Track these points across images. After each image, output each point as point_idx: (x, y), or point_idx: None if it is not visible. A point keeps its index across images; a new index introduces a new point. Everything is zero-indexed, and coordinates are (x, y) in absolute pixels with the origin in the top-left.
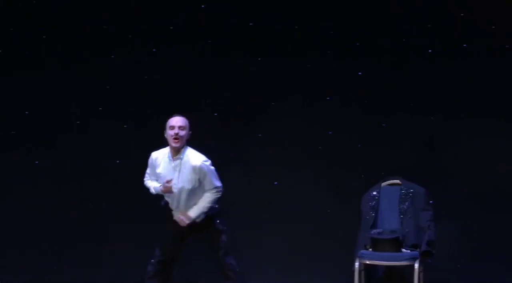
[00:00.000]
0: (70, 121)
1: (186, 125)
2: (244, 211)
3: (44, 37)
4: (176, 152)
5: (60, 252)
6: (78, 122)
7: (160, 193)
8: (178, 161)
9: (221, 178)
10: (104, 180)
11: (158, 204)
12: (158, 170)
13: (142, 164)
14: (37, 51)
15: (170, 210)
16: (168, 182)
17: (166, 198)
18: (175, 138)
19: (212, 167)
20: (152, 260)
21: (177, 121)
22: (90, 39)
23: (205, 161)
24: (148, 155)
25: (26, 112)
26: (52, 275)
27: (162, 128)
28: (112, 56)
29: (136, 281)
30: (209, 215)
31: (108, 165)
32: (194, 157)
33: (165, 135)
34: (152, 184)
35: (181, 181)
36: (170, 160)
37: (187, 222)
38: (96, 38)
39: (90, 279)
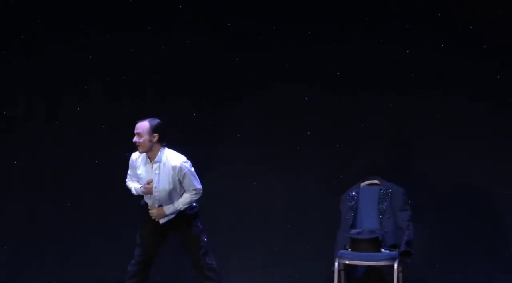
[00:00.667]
0: (49, 121)
1: (144, 130)
2: (222, 211)
3: (22, 37)
4: (153, 155)
5: (38, 252)
6: (56, 122)
7: (141, 194)
8: (157, 163)
9: (200, 178)
10: (84, 180)
11: (138, 204)
12: (139, 172)
13: (121, 164)
14: (15, 47)
15: (144, 214)
16: (148, 183)
17: (146, 200)
18: (136, 145)
19: (192, 169)
20: (132, 261)
21: (136, 127)
22: (68, 36)
23: (185, 162)
24: (128, 155)
25: (4, 113)
26: (29, 275)
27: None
28: (90, 56)
29: (115, 281)
30: (189, 214)
31: (87, 165)
32: (173, 158)
33: None
34: (133, 185)
35: (161, 183)
36: (148, 162)
37: (160, 218)
38: (79, 38)
39: (68, 279)
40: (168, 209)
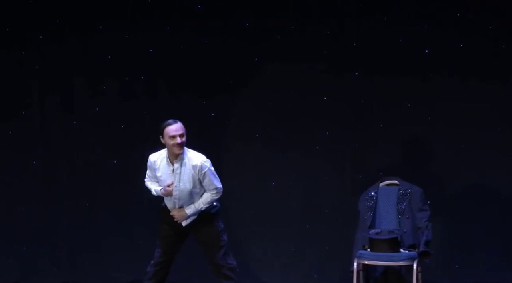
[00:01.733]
0: (66, 121)
1: (184, 130)
2: (241, 212)
3: (41, 37)
4: (176, 157)
5: (52, 252)
6: (74, 122)
7: (161, 195)
8: (178, 164)
9: (219, 178)
10: (101, 180)
11: (158, 205)
12: (158, 174)
13: (138, 164)
14: (31, 47)
15: (169, 211)
16: (169, 186)
17: (166, 202)
18: (177, 146)
19: (212, 168)
20: (152, 262)
21: (177, 129)
22: (83, 37)
23: (205, 161)
24: (146, 155)
25: (23, 112)
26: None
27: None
28: (109, 57)
29: (130, 281)
30: (210, 213)
31: (105, 165)
32: (194, 157)
33: (162, 141)
34: (153, 186)
35: (181, 184)
36: (169, 164)
37: (181, 219)
38: (93, 37)
39: (83, 279)
40: (189, 209)
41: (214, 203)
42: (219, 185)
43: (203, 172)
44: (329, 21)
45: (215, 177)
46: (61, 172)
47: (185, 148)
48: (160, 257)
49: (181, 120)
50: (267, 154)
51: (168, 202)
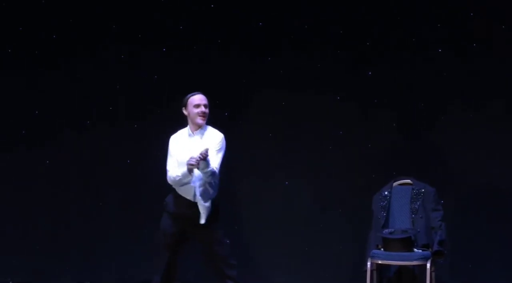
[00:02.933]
0: (80, 120)
1: (208, 102)
2: (255, 211)
3: (54, 37)
4: (197, 128)
5: (65, 252)
6: (88, 122)
7: (189, 167)
8: (198, 135)
9: (232, 178)
10: (114, 180)
11: (161, 202)
12: (179, 150)
13: (151, 164)
14: (46, 50)
15: (171, 211)
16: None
17: (182, 193)
18: (201, 116)
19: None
20: (156, 270)
21: (201, 99)
22: (99, 38)
23: (223, 138)
24: (159, 154)
25: (36, 112)
26: (57, 276)
27: (171, 126)
28: (122, 56)
29: (142, 281)
30: (212, 217)
31: (118, 165)
32: (215, 131)
33: (185, 113)
34: (180, 170)
35: (197, 154)
36: (190, 136)
37: (196, 162)
38: (105, 37)
39: (97, 279)
40: (204, 164)
41: (215, 204)
42: (220, 161)
43: (221, 142)
44: (342, 20)
45: (222, 157)
46: (74, 172)
47: (208, 126)
48: (166, 260)
49: None
50: (280, 153)
51: (185, 192)
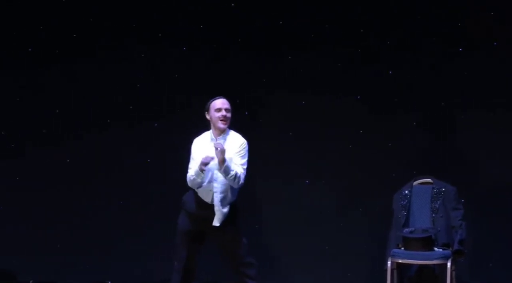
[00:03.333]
0: (100, 119)
1: (230, 107)
2: (274, 210)
3: (74, 35)
4: (220, 133)
5: (87, 251)
6: (108, 120)
7: (203, 166)
8: (220, 141)
9: (253, 177)
10: (135, 179)
11: (179, 201)
12: (200, 154)
13: (172, 163)
14: (66, 48)
15: (188, 210)
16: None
17: (202, 195)
18: (222, 120)
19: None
20: (174, 268)
21: (223, 103)
22: (119, 37)
23: (247, 142)
24: (180, 153)
25: (57, 111)
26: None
27: (191, 126)
28: (142, 55)
29: (160, 280)
30: (231, 213)
31: (138, 163)
32: (237, 135)
33: (207, 117)
34: (192, 172)
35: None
36: (212, 140)
37: (219, 154)
38: (125, 36)
39: (119, 278)
40: (225, 167)
41: (235, 200)
42: (245, 167)
43: (243, 146)
44: (361, 20)
45: (247, 161)
46: (94, 171)
47: (231, 130)
48: (184, 259)
49: None
50: (301, 152)
51: (204, 194)
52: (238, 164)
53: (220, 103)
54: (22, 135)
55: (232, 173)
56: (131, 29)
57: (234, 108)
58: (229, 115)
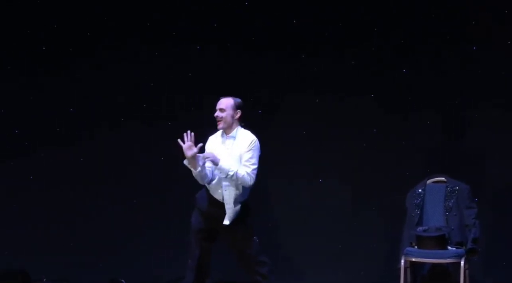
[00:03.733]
0: (114, 118)
1: (227, 106)
2: (288, 208)
3: (88, 33)
4: (229, 132)
5: (98, 250)
6: (122, 119)
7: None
8: (231, 139)
9: (266, 175)
10: (148, 177)
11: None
12: (211, 151)
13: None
14: (81, 47)
15: (201, 208)
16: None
17: (213, 193)
18: (217, 120)
19: (259, 151)
20: (188, 266)
21: (219, 103)
22: (127, 38)
23: (257, 147)
24: None
25: (70, 109)
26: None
27: (205, 125)
28: (156, 53)
29: (177, 278)
30: (242, 212)
31: (151, 162)
32: (248, 134)
33: None
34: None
35: (230, 158)
36: (223, 137)
37: (211, 157)
38: (138, 35)
39: (130, 275)
40: (225, 164)
41: (246, 198)
42: (256, 166)
43: (252, 144)
44: (375, 19)
45: (257, 156)
46: (107, 169)
47: (240, 128)
48: (197, 257)
49: None
50: (314, 151)
51: (214, 191)
52: (245, 162)
53: (217, 104)
54: (34, 134)
55: (230, 173)
56: (145, 28)
57: (248, 107)
58: (222, 114)
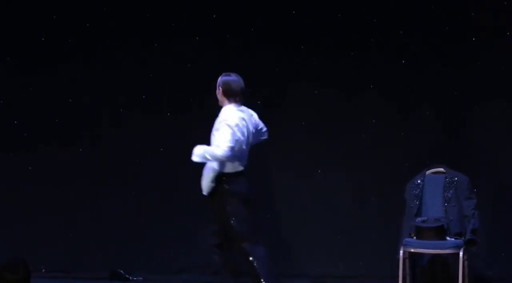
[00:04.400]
0: (114, 113)
1: (217, 84)
2: (287, 200)
3: (88, 25)
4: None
5: (102, 242)
6: (121, 109)
7: None
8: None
9: (266, 168)
10: (148, 169)
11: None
12: None
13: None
14: (85, 40)
15: None
16: None
17: None
18: None
19: (234, 129)
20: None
21: None
22: (132, 29)
23: (229, 118)
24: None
25: (70, 100)
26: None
27: (203, 119)
28: (155, 44)
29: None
30: (216, 185)
31: (152, 154)
32: (225, 112)
33: None
34: None
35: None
36: None
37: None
38: (138, 28)
39: (131, 267)
40: (199, 149)
41: (236, 186)
42: (226, 144)
43: (221, 123)
44: (376, 10)
45: (227, 135)
46: (109, 161)
47: (230, 107)
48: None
49: None
50: (313, 142)
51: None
52: (213, 143)
53: None
54: (35, 132)
55: (207, 157)
56: (146, 27)
57: (248, 96)
58: (217, 92)
